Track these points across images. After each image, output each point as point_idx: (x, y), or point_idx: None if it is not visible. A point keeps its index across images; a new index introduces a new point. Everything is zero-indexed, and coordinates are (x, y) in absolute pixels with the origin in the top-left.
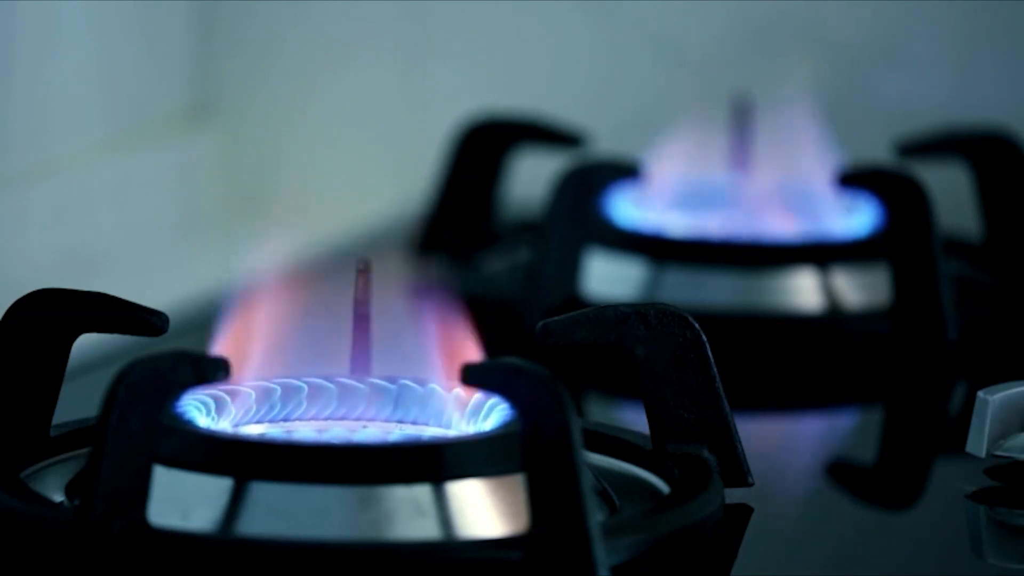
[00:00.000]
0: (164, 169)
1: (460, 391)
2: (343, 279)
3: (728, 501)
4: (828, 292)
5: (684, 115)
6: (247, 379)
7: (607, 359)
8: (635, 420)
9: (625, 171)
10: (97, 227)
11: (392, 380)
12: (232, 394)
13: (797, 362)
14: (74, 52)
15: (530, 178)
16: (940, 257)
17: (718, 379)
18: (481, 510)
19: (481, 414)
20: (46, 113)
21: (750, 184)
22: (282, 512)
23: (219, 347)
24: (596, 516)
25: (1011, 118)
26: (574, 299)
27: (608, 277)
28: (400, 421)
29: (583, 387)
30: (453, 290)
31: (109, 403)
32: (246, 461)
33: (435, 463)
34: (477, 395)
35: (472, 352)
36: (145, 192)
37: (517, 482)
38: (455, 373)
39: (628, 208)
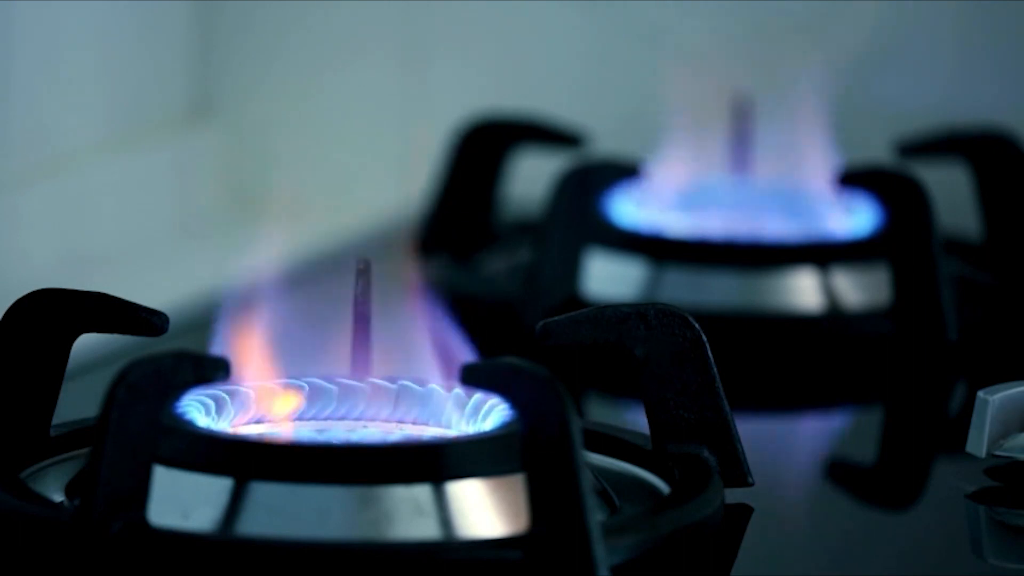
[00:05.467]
0: (163, 169)
1: (460, 391)
2: (343, 279)
3: (728, 501)
4: (828, 292)
5: (684, 115)
6: (247, 379)
7: (607, 359)
8: (635, 420)
9: (625, 171)
10: (97, 227)
11: (392, 380)
12: (232, 394)
13: (797, 362)
14: (74, 52)
15: (530, 178)
16: (940, 257)
17: (718, 379)
18: (481, 510)
19: (481, 414)
20: (46, 113)
21: (750, 184)
22: (282, 512)
23: (220, 347)
24: (596, 516)
25: (1011, 118)
26: (574, 299)
27: (608, 277)
28: (400, 421)
29: (583, 387)
30: (452, 290)
31: (109, 403)
32: (246, 461)
33: (435, 463)
34: (477, 395)
35: (470, 352)
36: (144, 192)
37: (517, 482)
38: (454, 373)
39: (628, 208)
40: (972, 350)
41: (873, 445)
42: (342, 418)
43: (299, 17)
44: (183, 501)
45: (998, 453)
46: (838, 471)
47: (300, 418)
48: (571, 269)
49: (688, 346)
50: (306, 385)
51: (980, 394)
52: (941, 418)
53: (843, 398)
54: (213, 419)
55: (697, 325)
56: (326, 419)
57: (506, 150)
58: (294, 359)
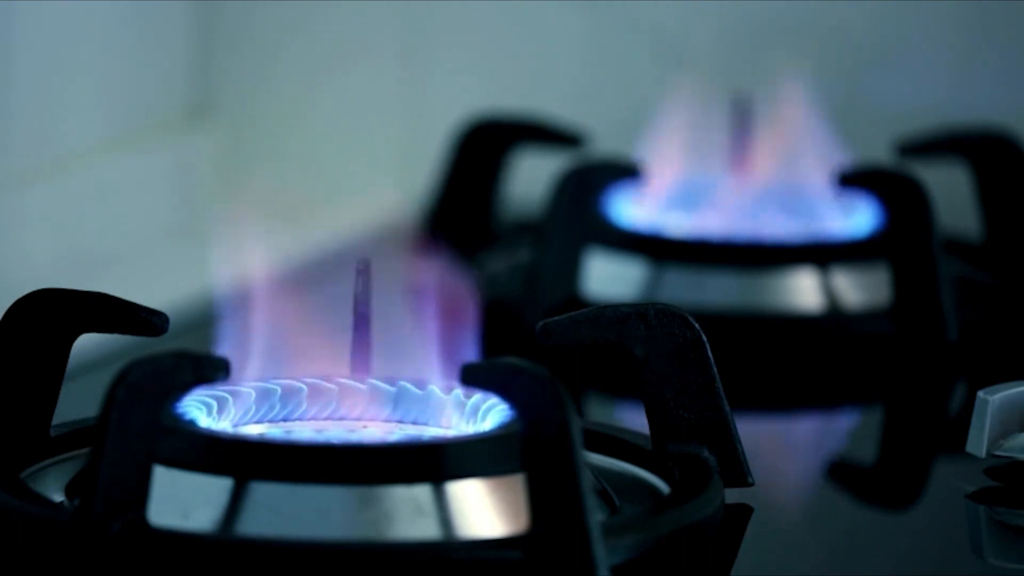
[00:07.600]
0: (164, 169)
1: (460, 391)
2: (343, 279)
3: (728, 501)
4: (828, 292)
5: (683, 115)
6: (247, 379)
7: (607, 359)
8: (635, 420)
9: (625, 171)
10: (97, 227)
11: (392, 380)
12: (232, 394)
13: (797, 362)
14: (74, 52)
15: (530, 178)
16: (940, 257)
17: (718, 379)
18: (481, 510)
19: (481, 414)
20: (46, 113)
21: (750, 184)
22: (282, 512)
23: (220, 347)
24: (596, 516)
25: (1011, 118)
26: (574, 299)
27: (608, 277)
28: (400, 421)
29: (583, 387)
30: (453, 290)
31: (109, 403)
32: (246, 461)
33: (435, 463)
34: (477, 395)
35: (471, 352)
36: (145, 192)
37: (517, 482)
38: (454, 373)
39: (628, 208)
40: (972, 350)
41: (873, 445)
42: (342, 418)
43: (299, 17)
44: (183, 501)
45: (998, 453)
46: (838, 471)
47: (299, 418)
48: (571, 269)
49: (688, 346)
50: (306, 385)
51: (980, 394)
52: (941, 418)
53: (843, 398)
54: (213, 419)
55: (697, 325)
56: (326, 419)
57: (506, 150)
58: (294, 359)
